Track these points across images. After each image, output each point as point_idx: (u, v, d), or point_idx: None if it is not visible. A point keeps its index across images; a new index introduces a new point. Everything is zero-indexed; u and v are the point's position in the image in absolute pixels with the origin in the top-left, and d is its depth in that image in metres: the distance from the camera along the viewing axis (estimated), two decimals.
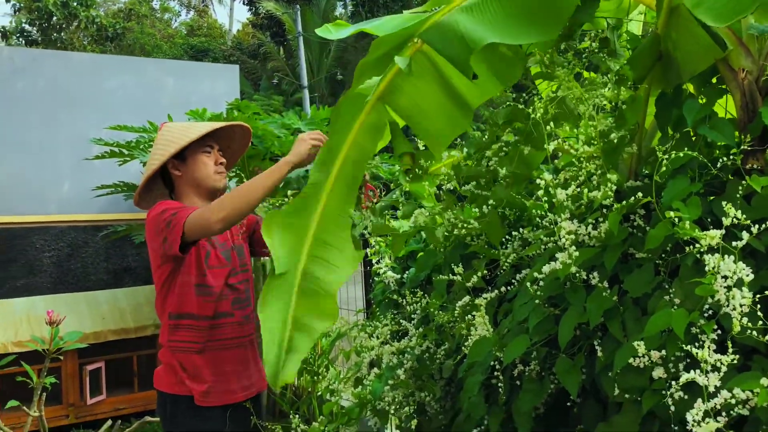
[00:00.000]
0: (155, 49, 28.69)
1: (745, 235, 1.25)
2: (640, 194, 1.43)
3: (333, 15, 27.06)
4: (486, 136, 1.84)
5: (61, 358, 3.65)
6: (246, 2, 28.99)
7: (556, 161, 2.06)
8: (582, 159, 1.52)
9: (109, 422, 3.75)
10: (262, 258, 4.29)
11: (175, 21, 38.27)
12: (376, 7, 24.74)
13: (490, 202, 1.74)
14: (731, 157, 1.42)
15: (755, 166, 1.48)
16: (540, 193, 1.51)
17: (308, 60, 25.74)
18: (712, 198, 1.53)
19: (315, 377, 3.90)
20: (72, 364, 4.57)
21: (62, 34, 26.37)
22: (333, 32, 2.34)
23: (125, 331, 4.72)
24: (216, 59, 26.38)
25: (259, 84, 27.97)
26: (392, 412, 2.28)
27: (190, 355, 2.29)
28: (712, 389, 1.20)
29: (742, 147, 1.43)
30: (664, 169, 1.39)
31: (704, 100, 1.54)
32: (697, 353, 1.21)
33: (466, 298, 1.96)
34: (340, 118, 2.25)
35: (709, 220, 1.47)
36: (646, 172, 1.81)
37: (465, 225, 1.76)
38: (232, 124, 2.53)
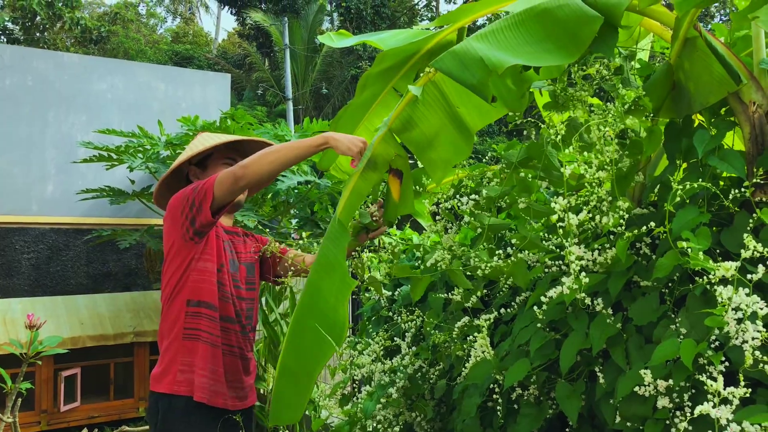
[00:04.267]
0: (139, 54, 28.52)
1: (761, 268, 1.25)
2: (653, 223, 1.43)
3: (320, 29, 27.10)
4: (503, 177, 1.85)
5: (39, 363, 3.58)
6: (233, 12, 28.94)
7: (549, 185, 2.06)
8: (594, 184, 1.52)
9: (85, 430, 3.67)
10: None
11: (161, 27, 38.14)
12: (363, 23, 24.86)
13: (514, 241, 1.75)
14: (742, 189, 1.42)
15: (763, 199, 1.49)
16: (554, 218, 1.50)
17: (293, 73, 25.73)
18: (716, 229, 1.54)
19: None
20: (47, 369, 4.47)
21: (45, 34, 26.13)
22: (335, 40, 2.35)
23: (104, 338, 4.63)
24: (200, 67, 26.31)
25: (242, 94, 27.91)
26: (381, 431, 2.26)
27: (198, 343, 2.26)
28: (723, 422, 1.20)
29: (753, 180, 1.44)
30: (678, 199, 1.39)
31: (714, 132, 1.55)
32: (711, 385, 1.21)
33: (465, 319, 1.95)
34: (339, 129, 2.27)
35: (717, 251, 1.47)
36: (651, 200, 1.82)
37: (487, 265, 1.75)
38: (257, 140, 2.51)
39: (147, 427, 4.37)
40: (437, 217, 2.27)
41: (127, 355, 4.85)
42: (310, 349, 1.80)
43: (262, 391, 4.30)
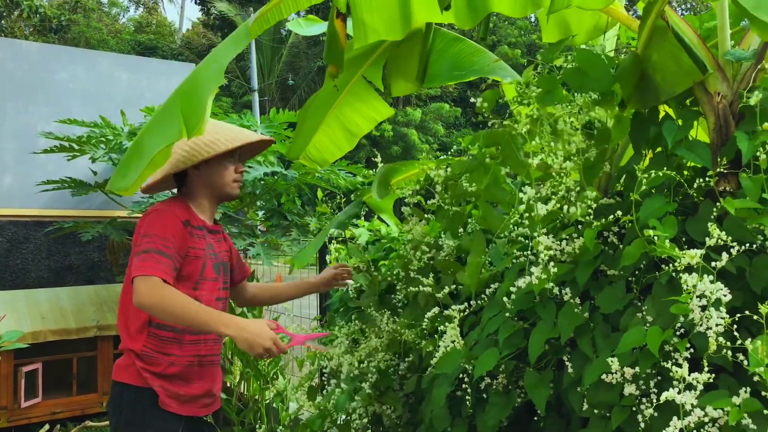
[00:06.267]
0: (101, 43, 28.03)
1: (725, 256, 1.27)
2: (619, 212, 1.45)
3: (286, 20, 26.91)
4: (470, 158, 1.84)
5: None
6: (197, 2, 28.59)
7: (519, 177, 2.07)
8: (562, 174, 1.53)
9: (47, 426, 3.61)
10: None
11: (123, 16, 37.54)
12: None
13: (471, 221, 1.74)
14: (707, 179, 1.44)
15: (727, 189, 1.51)
16: (521, 208, 1.51)
17: (259, 63, 25.55)
18: (681, 218, 1.56)
19: (264, 385, 3.83)
20: (7, 364, 4.37)
21: (2, 22, 25.52)
22: (304, 27, 2.31)
23: (66, 332, 4.54)
24: (164, 57, 25.96)
25: None
26: (353, 425, 2.25)
27: (164, 366, 2.19)
28: (688, 407, 1.21)
29: (717, 169, 1.46)
30: (644, 188, 1.40)
31: (681, 122, 1.57)
32: (676, 371, 1.22)
33: (435, 310, 1.95)
34: (307, 119, 2.23)
35: (683, 239, 1.49)
36: (617, 190, 1.84)
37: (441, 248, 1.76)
38: (263, 138, 2.40)
39: None
40: (405, 213, 2.26)
41: (90, 349, 4.76)
42: (162, 129, 1.80)
43: (228, 384, 4.26)
